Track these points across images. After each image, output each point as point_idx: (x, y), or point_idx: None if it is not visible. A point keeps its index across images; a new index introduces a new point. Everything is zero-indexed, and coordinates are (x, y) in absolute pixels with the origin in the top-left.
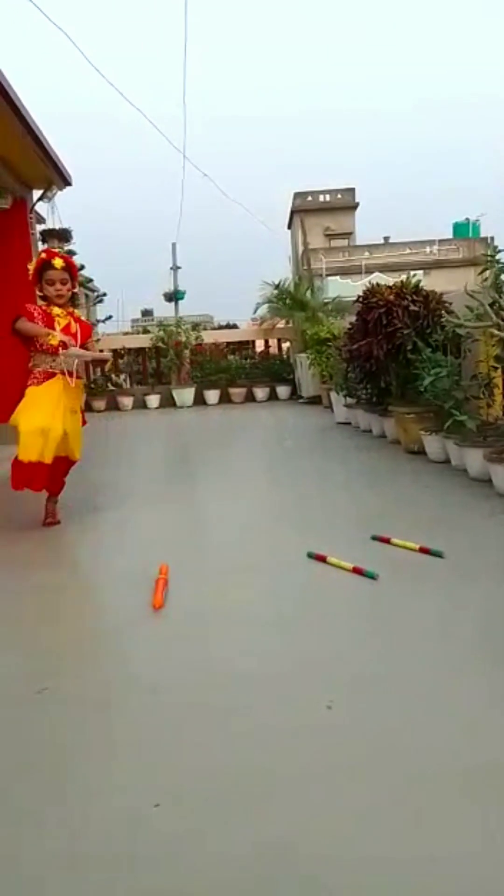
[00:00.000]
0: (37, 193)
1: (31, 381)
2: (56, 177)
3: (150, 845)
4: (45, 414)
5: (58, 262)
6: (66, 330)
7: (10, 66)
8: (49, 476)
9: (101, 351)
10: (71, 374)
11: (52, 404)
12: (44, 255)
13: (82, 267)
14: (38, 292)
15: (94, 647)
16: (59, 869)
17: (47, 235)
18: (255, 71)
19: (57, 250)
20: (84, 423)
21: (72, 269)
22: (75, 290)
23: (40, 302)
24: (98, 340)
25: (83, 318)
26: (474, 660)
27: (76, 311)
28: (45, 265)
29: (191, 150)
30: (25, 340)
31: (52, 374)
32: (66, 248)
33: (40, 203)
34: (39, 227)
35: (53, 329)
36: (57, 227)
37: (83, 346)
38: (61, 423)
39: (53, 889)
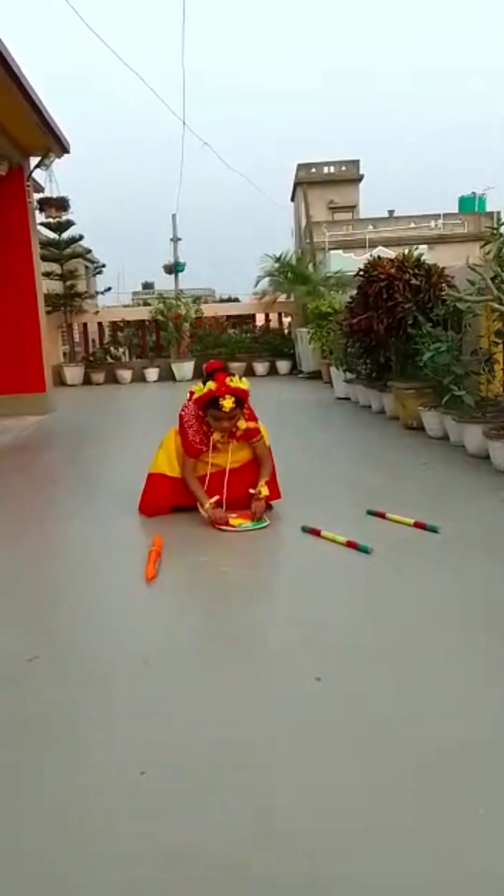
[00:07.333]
0: (34, 161)
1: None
2: (54, 143)
3: (138, 812)
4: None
5: (227, 404)
6: (221, 460)
7: (8, 31)
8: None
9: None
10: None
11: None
12: (213, 386)
13: (81, 237)
14: (199, 412)
15: (85, 617)
16: (50, 835)
17: (45, 204)
18: (257, 42)
19: (229, 383)
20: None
21: (243, 401)
22: (241, 417)
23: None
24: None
25: (240, 420)
26: (467, 634)
27: (241, 423)
28: (213, 402)
29: (191, 119)
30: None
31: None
32: (64, 218)
33: (38, 171)
34: (37, 196)
35: (206, 451)
36: (55, 195)
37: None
38: None
39: (46, 853)
